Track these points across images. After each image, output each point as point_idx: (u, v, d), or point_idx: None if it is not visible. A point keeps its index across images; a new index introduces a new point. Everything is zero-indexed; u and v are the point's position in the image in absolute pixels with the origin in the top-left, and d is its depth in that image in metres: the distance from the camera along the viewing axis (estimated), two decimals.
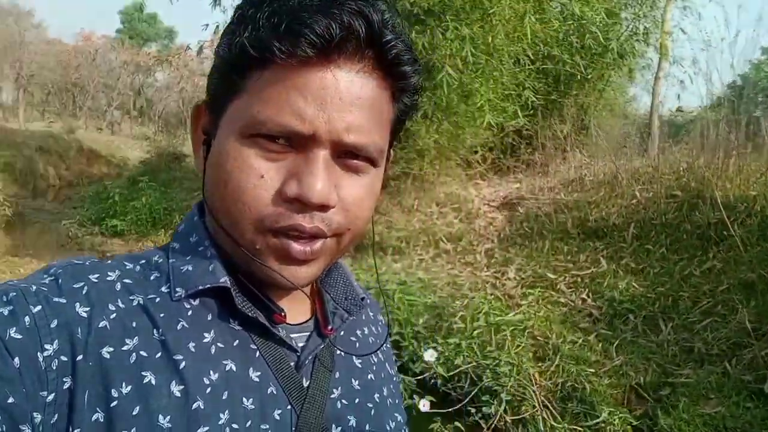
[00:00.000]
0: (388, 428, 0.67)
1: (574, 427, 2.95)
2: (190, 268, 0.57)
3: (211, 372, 0.53)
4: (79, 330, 0.50)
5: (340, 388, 0.63)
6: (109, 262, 0.56)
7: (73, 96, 19.92)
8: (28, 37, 18.43)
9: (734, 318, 3.35)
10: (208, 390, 0.52)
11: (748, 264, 3.70)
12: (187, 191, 8.91)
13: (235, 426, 0.52)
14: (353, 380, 0.65)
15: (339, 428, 0.61)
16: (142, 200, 7.36)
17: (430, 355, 3.17)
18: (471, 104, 5.93)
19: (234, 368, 0.54)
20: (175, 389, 0.51)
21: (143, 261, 0.57)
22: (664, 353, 3.40)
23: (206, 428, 0.51)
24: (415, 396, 3.22)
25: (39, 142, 13.09)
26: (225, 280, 0.56)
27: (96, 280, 0.53)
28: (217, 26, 6.60)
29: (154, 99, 20.69)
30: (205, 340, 0.54)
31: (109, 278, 0.54)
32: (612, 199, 5.30)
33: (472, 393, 3.26)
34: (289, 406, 0.56)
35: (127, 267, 0.56)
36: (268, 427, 0.54)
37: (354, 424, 0.63)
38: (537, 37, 6.81)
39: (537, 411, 3.03)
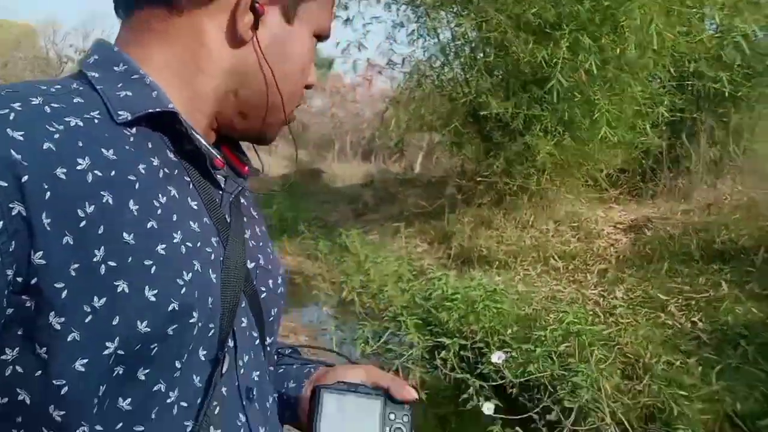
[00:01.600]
0: (281, 272, 0.73)
1: None
2: (129, 93, 0.56)
3: (160, 195, 0.54)
4: (16, 152, 0.46)
5: (248, 231, 0.67)
6: (18, 91, 0.51)
7: None
8: None
9: None
10: (159, 212, 0.53)
11: None
12: (317, 203, 9.37)
13: (189, 245, 0.55)
14: (255, 227, 0.71)
15: (252, 264, 0.66)
16: (273, 207, 7.86)
17: (497, 357, 3.07)
18: (594, 120, 5.68)
19: (177, 195, 0.56)
20: (133, 208, 0.52)
21: (58, 86, 0.54)
22: None
23: (164, 245, 0.52)
24: (480, 398, 3.12)
25: None
26: (173, 106, 0.57)
27: (20, 107, 0.49)
28: (348, 44, 6.96)
29: (309, 123, 22.05)
30: (154, 164, 0.55)
31: (34, 103, 0.50)
32: (745, 221, 4.78)
33: (543, 403, 3.09)
34: (218, 238, 0.60)
35: (48, 92, 0.52)
36: (211, 251, 0.57)
37: (263, 263, 0.69)
38: (682, 53, 6.41)
39: (606, 425, 2.80)
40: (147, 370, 0.51)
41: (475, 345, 3.84)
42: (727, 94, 7.05)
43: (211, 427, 0.56)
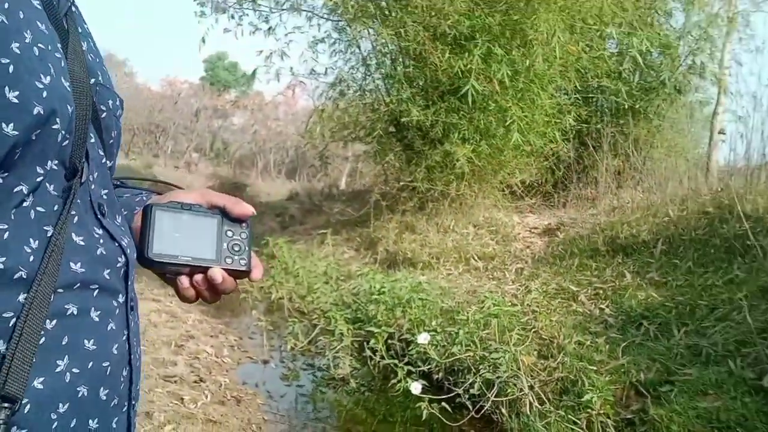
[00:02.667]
0: (119, 95, 0.74)
1: (561, 413, 2.91)
2: None
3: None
4: None
5: (85, 43, 0.66)
6: None
7: (155, 137, 21.34)
8: (119, 83, 20.05)
9: (745, 321, 3.23)
10: (6, 5, 0.51)
11: (767, 271, 3.57)
12: None
13: (41, 46, 0.54)
14: (90, 41, 0.70)
15: (93, 80, 0.65)
16: None
17: (423, 338, 3.22)
18: (507, 127, 6.02)
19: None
20: None
21: None
22: (671, 355, 3.30)
23: (17, 44, 0.51)
24: (408, 379, 3.27)
25: (117, 174, 14.04)
26: None
27: None
28: (271, 53, 7.05)
29: (230, 140, 21.78)
30: None
31: None
32: (644, 218, 5.21)
33: (468, 382, 3.27)
34: (61, 45, 0.58)
35: None
36: (60, 57, 0.57)
37: (102, 81, 0.68)
38: (586, 68, 6.90)
39: (525, 394, 3.01)
40: (6, 174, 0.52)
41: (402, 336, 4.00)
42: (627, 106, 7.66)
43: (73, 234, 0.57)
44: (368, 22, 6.54)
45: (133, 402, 0.67)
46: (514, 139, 5.63)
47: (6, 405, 0.49)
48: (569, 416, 2.95)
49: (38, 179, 0.54)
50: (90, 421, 0.58)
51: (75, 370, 0.56)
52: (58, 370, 0.55)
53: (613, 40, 7.19)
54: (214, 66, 26.06)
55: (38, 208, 0.54)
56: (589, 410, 2.93)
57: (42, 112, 0.51)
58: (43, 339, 0.53)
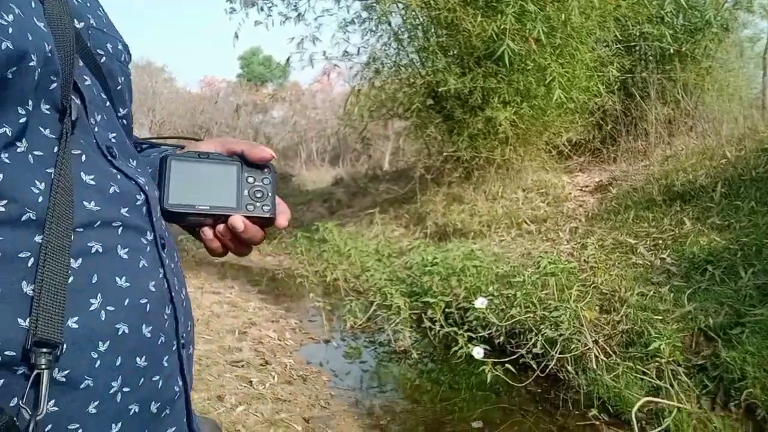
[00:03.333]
0: (122, 41, 0.71)
1: (630, 364, 2.85)
2: None
3: None
4: None
5: None
6: None
7: (200, 138, 21.70)
8: (159, 89, 20.47)
9: None
10: None
11: None
12: (290, 206, 9.39)
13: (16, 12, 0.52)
14: None
15: (81, 24, 0.64)
16: None
17: (480, 303, 3.20)
18: (548, 85, 5.87)
19: None
20: None
21: None
22: (739, 297, 3.19)
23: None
24: (470, 345, 3.25)
25: None
26: None
27: None
28: (302, 39, 7.06)
29: (271, 134, 22.05)
30: None
31: None
32: (700, 163, 5.01)
33: (530, 342, 3.24)
34: None
35: None
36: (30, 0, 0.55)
37: (95, 24, 0.66)
38: (625, 16, 6.66)
39: (590, 349, 2.96)
40: None
41: (459, 305, 3.98)
42: (672, 51, 7.35)
43: (82, 173, 0.56)
44: None
45: (182, 341, 0.65)
46: (555, 97, 5.49)
47: (45, 350, 0.48)
48: (638, 367, 2.88)
49: (21, 120, 0.52)
50: (137, 359, 0.57)
51: (110, 308, 0.55)
52: (92, 308, 0.54)
53: None
54: (250, 62, 26.32)
55: (35, 152, 0.53)
56: (658, 359, 2.86)
57: (12, 47, 0.50)
58: (71, 279, 0.52)
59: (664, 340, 2.92)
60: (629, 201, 5.25)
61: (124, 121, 0.69)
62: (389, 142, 14.52)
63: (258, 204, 0.70)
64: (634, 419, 2.59)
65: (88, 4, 0.67)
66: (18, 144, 0.53)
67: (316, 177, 15.35)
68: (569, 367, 3.15)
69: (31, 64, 0.52)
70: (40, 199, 0.52)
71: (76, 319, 0.52)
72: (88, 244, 0.55)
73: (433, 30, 6.74)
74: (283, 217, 0.73)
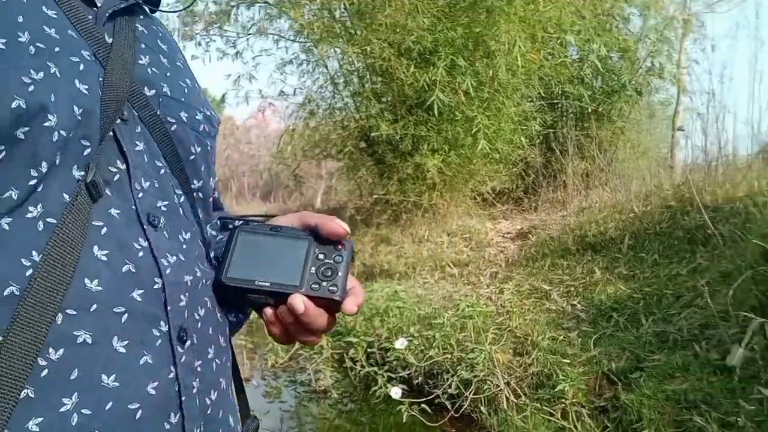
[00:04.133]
0: (208, 112, 0.70)
1: (537, 405, 3.00)
2: None
3: None
4: None
5: (146, 58, 0.64)
6: None
7: None
8: None
9: (708, 306, 3.36)
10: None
11: (729, 258, 3.71)
12: None
13: (41, 46, 0.51)
14: (162, 57, 0.67)
15: (153, 91, 0.62)
16: None
17: (400, 343, 3.30)
18: (474, 135, 6.17)
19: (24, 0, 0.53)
20: None
21: None
22: (640, 343, 3.42)
23: (4, 40, 0.49)
24: (388, 385, 3.33)
25: None
26: None
27: None
28: (239, 76, 7.14)
29: None
30: None
31: None
32: (611, 216, 5.36)
33: (446, 383, 3.35)
34: (90, 53, 0.55)
35: None
36: (78, 60, 0.54)
37: (169, 93, 0.64)
38: (548, 75, 7.11)
39: (501, 390, 3.09)
40: None
41: (381, 345, 4.06)
42: (590, 110, 7.88)
43: (96, 247, 0.51)
44: (334, 42, 6.67)
45: None
46: (480, 147, 5.77)
47: None
48: (545, 408, 3.03)
49: (31, 182, 0.48)
50: None
51: (86, 411, 0.47)
52: (63, 410, 0.46)
53: (573, 47, 7.42)
54: None
55: (48, 219, 0.49)
56: (563, 400, 3.03)
57: (24, 106, 0.47)
58: (45, 372, 0.46)
59: (569, 382, 3.10)
60: (546, 249, 5.53)
61: (200, 194, 0.66)
62: (322, 180, 14.65)
63: (324, 284, 0.63)
64: None
65: (168, 74, 0.66)
66: (31, 209, 0.49)
67: (246, 211, 15.22)
68: (482, 408, 3.27)
69: (46, 124, 0.49)
70: (29, 272, 0.47)
71: (39, 420, 0.45)
72: (74, 333, 0.48)
73: (368, 76, 6.97)
74: (352, 302, 0.63)
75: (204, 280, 0.61)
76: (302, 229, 0.66)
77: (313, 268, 0.63)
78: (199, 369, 0.57)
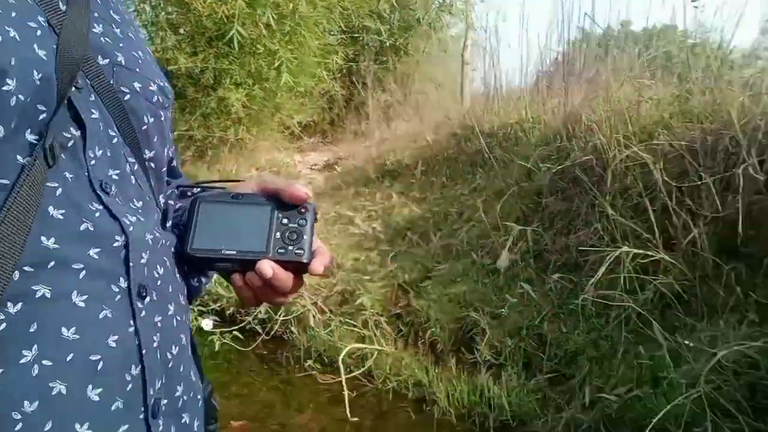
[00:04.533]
0: (160, 82, 0.69)
1: (341, 318, 3.30)
2: None
3: None
4: None
5: (99, 26, 0.63)
6: None
7: None
8: None
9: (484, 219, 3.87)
10: None
11: (501, 177, 4.26)
12: None
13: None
14: (114, 27, 0.66)
15: (107, 60, 0.62)
16: None
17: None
18: (277, 69, 6.18)
19: None
20: None
21: None
22: (429, 256, 3.86)
23: None
24: (199, 318, 3.42)
25: None
26: None
27: None
28: None
29: None
30: None
31: None
32: (407, 145, 5.79)
33: (256, 310, 3.53)
34: (44, 20, 0.55)
35: None
36: (36, 26, 0.53)
37: (124, 63, 0.64)
38: (348, 10, 7.24)
39: (308, 310, 3.35)
40: None
41: None
42: (389, 44, 8.22)
43: (51, 207, 0.52)
44: None
45: (158, 409, 0.56)
46: (284, 80, 5.81)
47: None
48: (348, 321, 3.34)
49: None
50: (76, 425, 0.49)
51: (46, 363, 0.48)
52: (22, 361, 0.47)
53: None
54: None
55: (2, 181, 0.49)
56: (363, 312, 3.36)
57: None
58: (3, 326, 0.47)
59: (369, 296, 3.44)
60: (351, 178, 5.84)
61: (152, 164, 0.66)
62: None
63: (291, 248, 0.64)
64: (341, 364, 3.03)
65: (121, 45, 0.65)
66: None
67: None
68: (292, 328, 3.51)
69: (5, 88, 0.49)
70: None
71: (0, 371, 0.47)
72: (33, 287, 0.49)
73: (161, 5, 6.58)
74: (318, 262, 0.65)
75: (163, 241, 0.62)
76: (262, 195, 0.67)
77: (278, 233, 0.64)
78: (159, 324, 0.58)
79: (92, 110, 0.58)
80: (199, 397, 0.66)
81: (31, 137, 0.51)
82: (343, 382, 2.95)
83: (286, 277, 0.63)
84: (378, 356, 3.14)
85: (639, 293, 2.62)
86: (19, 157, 0.50)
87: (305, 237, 0.64)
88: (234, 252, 0.63)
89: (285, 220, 0.64)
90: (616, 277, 2.66)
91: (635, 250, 2.63)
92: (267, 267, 0.62)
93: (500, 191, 4.14)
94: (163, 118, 0.68)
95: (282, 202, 0.65)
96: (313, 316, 3.39)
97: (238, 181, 0.75)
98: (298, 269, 0.64)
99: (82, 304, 0.51)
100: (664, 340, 2.41)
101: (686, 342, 2.28)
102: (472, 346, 3.04)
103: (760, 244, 2.53)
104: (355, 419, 2.79)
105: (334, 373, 3.12)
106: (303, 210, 0.65)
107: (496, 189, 4.19)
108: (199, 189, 0.76)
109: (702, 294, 2.56)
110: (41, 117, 0.51)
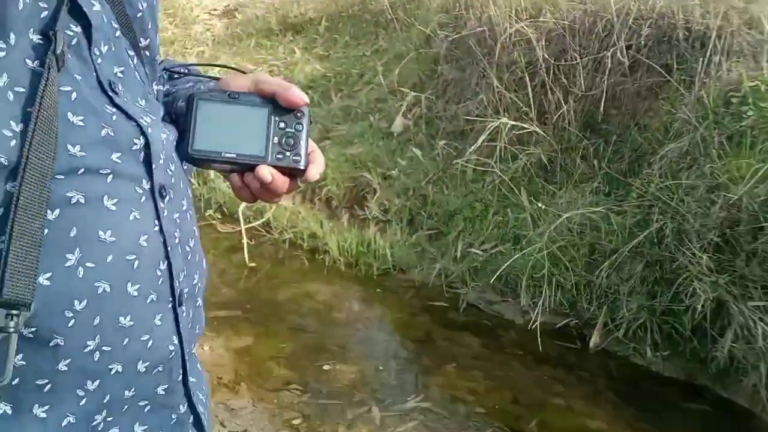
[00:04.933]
0: None
1: None
2: None
3: None
4: None
5: None
6: None
7: None
8: None
9: (383, 83, 4.01)
10: None
11: (402, 41, 4.35)
12: None
13: None
14: None
15: None
16: None
17: None
18: None
19: None
20: None
21: None
22: (329, 116, 4.00)
23: None
24: None
25: None
26: None
27: None
28: None
29: None
30: None
31: None
32: None
33: None
34: None
35: None
36: None
37: None
38: None
39: None
40: None
41: None
42: None
43: (69, 113, 0.51)
44: None
45: (183, 297, 0.61)
46: None
47: (14, 312, 0.46)
48: None
49: (1, 54, 0.47)
50: (121, 318, 0.54)
51: (90, 264, 0.51)
52: (68, 264, 0.50)
53: None
54: None
55: (17, 88, 0.48)
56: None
57: None
58: (45, 231, 0.48)
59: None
60: (252, 28, 5.69)
61: (147, 53, 0.63)
62: None
63: (288, 153, 0.65)
64: (240, 215, 3.23)
65: None
66: None
67: None
68: (193, 180, 3.63)
69: None
70: (14, 142, 0.47)
71: (48, 275, 0.49)
72: (68, 194, 0.50)
73: None
74: (314, 169, 0.67)
75: (171, 137, 0.63)
76: (258, 95, 0.66)
77: (276, 138, 0.65)
78: (177, 221, 0.61)
79: (93, 2, 0.55)
80: (204, 280, 0.70)
81: (35, 38, 0.49)
82: (243, 231, 3.17)
83: (282, 182, 0.65)
84: (276, 209, 3.36)
85: (511, 162, 2.95)
86: (28, 61, 0.49)
87: (302, 143, 0.65)
88: (234, 155, 0.64)
89: (282, 125, 0.65)
90: (495, 146, 2.96)
91: (512, 122, 2.92)
92: (266, 173, 0.63)
93: (401, 55, 4.25)
94: (155, 2, 0.66)
95: (278, 105, 0.65)
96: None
97: (232, 68, 0.78)
98: (295, 174, 0.66)
99: (113, 208, 0.53)
100: (528, 204, 2.78)
101: (544, 207, 2.65)
102: (363, 203, 3.32)
103: (617, 122, 2.88)
104: (253, 264, 3.05)
105: (234, 223, 3.33)
106: (299, 114, 0.66)
107: (396, 52, 4.30)
108: (185, 71, 0.78)
109: (565, 164, 2.92)
110: (43, 15, 0.50)
